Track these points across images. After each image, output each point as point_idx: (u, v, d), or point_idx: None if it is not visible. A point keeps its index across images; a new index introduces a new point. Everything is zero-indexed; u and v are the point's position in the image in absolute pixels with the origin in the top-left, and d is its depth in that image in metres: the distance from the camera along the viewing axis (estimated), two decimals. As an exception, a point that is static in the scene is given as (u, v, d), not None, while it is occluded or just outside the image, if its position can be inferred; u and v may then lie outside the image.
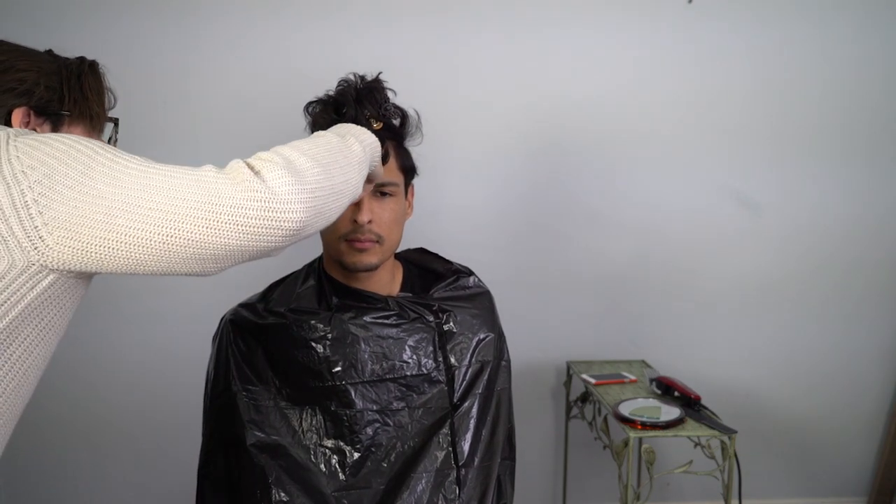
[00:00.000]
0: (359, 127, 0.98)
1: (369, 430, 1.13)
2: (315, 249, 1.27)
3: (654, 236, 2.22)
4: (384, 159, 1.11)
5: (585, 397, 2.11)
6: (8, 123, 0.90)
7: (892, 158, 2.23)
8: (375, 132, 1.11)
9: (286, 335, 1.15)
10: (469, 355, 1.20)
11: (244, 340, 1.18)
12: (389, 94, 1.18)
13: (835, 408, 2.34)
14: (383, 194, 1.15)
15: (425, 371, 1.16)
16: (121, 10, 1.99)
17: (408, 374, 1.15)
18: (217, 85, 2.05)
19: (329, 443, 1.13)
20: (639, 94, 2.15)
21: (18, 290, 0.71)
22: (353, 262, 1.14)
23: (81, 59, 1.00)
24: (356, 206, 1.11)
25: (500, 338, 1.27)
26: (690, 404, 1.80)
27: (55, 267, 0.72)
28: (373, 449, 1.13)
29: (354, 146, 0.90)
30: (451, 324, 1.20)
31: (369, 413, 1.13)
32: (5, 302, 0.71)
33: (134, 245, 0.71)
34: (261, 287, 1.27)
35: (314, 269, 1.24)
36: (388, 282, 1.23)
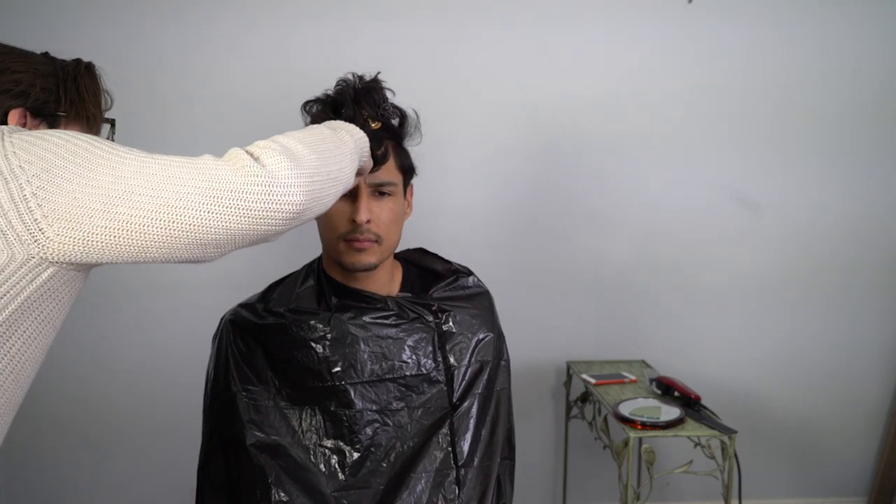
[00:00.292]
0: (348, 123, 0.99)
1: (369, 431, 1.13)
2: (315, 250, 1.27)
3: (654, 236, 2.22)
4: (384, 159, 1.11)
5: (585, 397, 2.11)
6: (4, 124, 0.90)
7: (892, 158, 2.23)
8: (374, 132, 1.11)
9: (286, 335, 1.15)
10: (468, 355, 1.20)
11: (244, 340, 1.18)
12: (388, 94, 1.18)
13: (835, 408, 2.34)
14: (382, 194, 1.14)
15: (425, 371, 1.16)
16: (120, 9, 1.99)
17: (407, 374, 1.15)
18: (216, 84, 2.05)
19: (329, 443, 1.13)
20: (639, 94, 2.15)
21: (18, 284, 0.71)
22: (352, 262, 1.14)
23: (78, 61, 1.00)
24: (354, 206, 1.12)
25: (499, 338, 1.27)
26: (690, 404, 1.80)
27: (56, 259, 0.72)
28: (372, 449, 1.13)
29: (346, 137, 0.92)
30: (451, 324, 1.20)
31: (369, 413, 1.13)
32: (5, 295, 0.71)
33: (135, 233, 0.72)
34: (260, 287, 1.27)
35: (313, 269, 1.24)
36: (387, 282, 1.23)
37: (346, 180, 0.88)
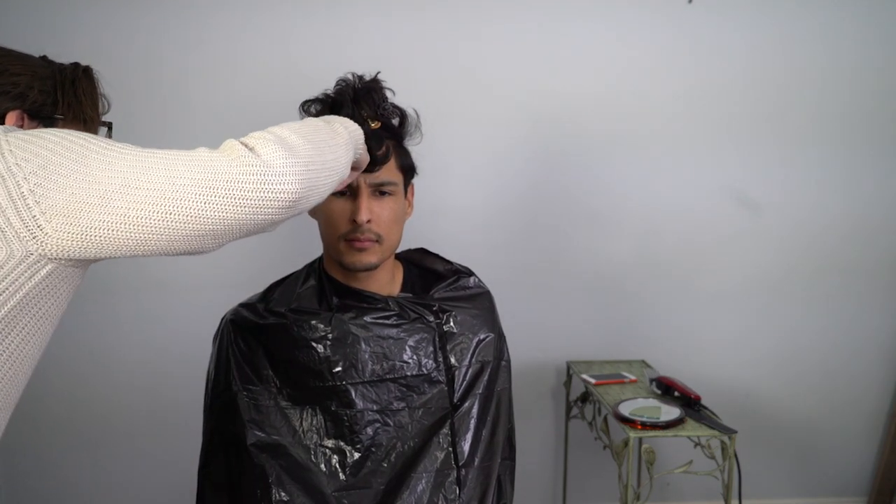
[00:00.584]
0: (342, 117, 0.99)
1: (369, 430, 1.13)
2: (315, 249, 1.27)
3: (654, 236, 2.22)
4: (384, 159, 1.11)
5: (585, 397, 2.11)
6: (1, 125, 0.90)
7: (892, 158, 2.23)
8: (375, 132, 1.11)
9: (287, 335, 1.15)
10: (469, 355, 1.20)
11: (245, 340, 1.18)
12: (388, 94, 1.18)
13: (835, 408, 2.34)
14: (382, 193, 1.14)
15: (425, 371, 1.16)
16: (119, 8, 1.99)
17: (408, 374, 1.15)
18: (216, 82, 2.05)
19: (329, 443, 1.13)
20: (639, 95, 2.15)
21: (17, 280, 0.71)
22: (353, 262, 1.14)
23: (76, 65, 1.01)
24: (355, 205, 1.12)
25: (500, 338, 1.27)
26: (690, 404, 1.80)
27: (54, 255, 0.72)
28: (373, 449, 1.13)
29: (339, 129, 0.92)
30: (452, 324, 1.20)
31: (369, 413, 1.13)
32: (3, 292, 0.71)
33: (133, 226, 0.72)
34: (261, 287, 1.27)
35: (314, 269, 1.24)
36: (388, 282, 1.23)
37: (342, 170, 0.89)
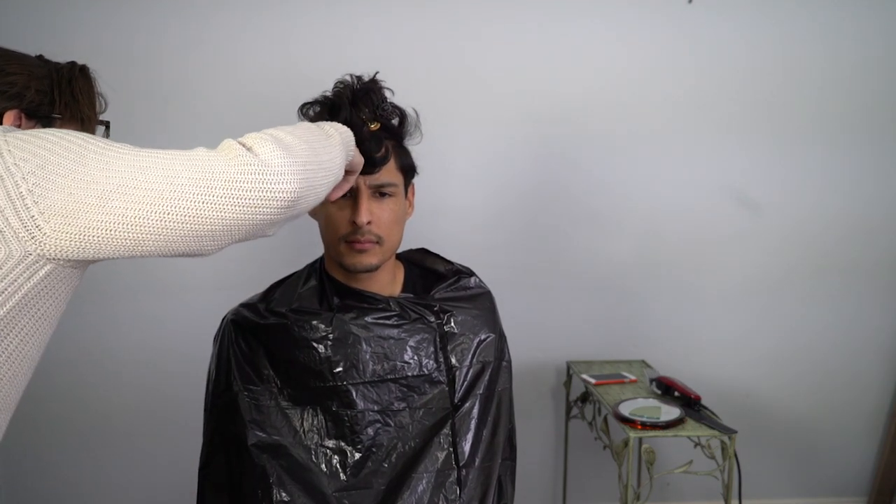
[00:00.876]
0: (333, 122, 0.99)
1: (370, 431, 1.13)
2: (315, 250, 1.27)
3: (654, 236, 2.22)
4: (383, 160, 1.11)
5: (585, 397, 2.11)
6: None
7: (892, 157, 2.23)
8: (374, 133, 1.11)
9: (287, 335, 1.15)
10: (470, 356, 1.20)
11: (245, 340, 1.18)
12: (387, 94, 1.18)
13: (835, 408, 2.34)
14: (382, 195, 1.14)
15: (426, 372, 1.16)
16: (119, 6, 1.99)
17: (409, 374, 1.15)
18: (216, 81, 2.05)
19: (330, 443, 1.13)
20: (639, 94, 2.15)
21: (15, 281, 0.71)
22: (353, 264, 1.14)
23: (72, 64, 1.01)
24: (355, 207, 1.11)
25: (500, 338, 1.27)
26: (690, 404, 1.80)
27: (53, 256, 0.72)
28: (374, 449, 1.13)
29: (331, 132, 0.93)
30: (452, 324, 1.20)
31: (370, 413, 1.13)
32: (3, 292, 0.71)
33: (131, 226, 0.72)
34: (262, 287, 1.27)
35: (315, 269, 1.24)
36: (389, 282, 1.23)
37: (337, 171, 0.89)
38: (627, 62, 2.14)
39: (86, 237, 0.72)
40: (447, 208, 2.14)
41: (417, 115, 1.23)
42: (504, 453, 1.27)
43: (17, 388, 0.77)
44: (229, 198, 0.73)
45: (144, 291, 2.12)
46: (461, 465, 1.15)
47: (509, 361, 1.28)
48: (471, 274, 1.30)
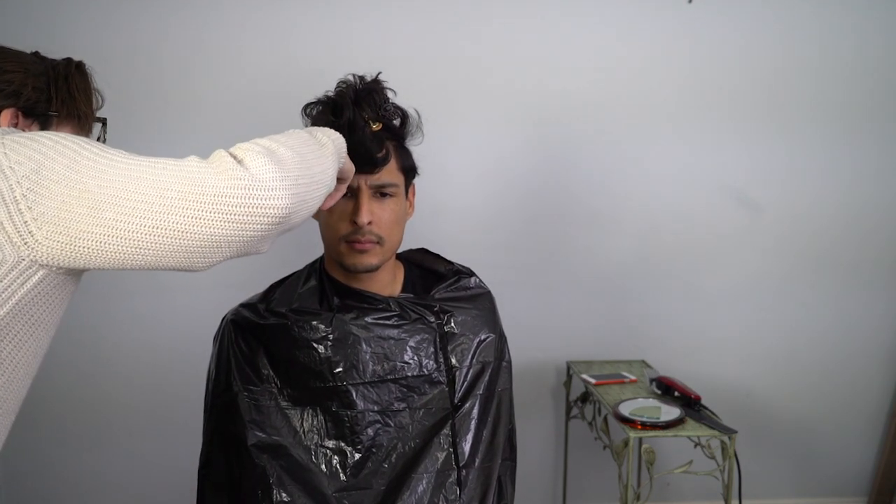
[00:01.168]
0: (325, 128, 0.98)
1: (370, 431, 1.13)
2: (315, 250, 1.27)
3: (654, 236, 2.22)
4: (385, 160, 1.11)
5: (585, 397, 2.11)
6: None
7: (891, 157, 2.23)
8: (375, 133, 1.11)
9: (287, 335, 1.15)
10: (470, 356, 1.20)
11: (245, 340, 1.18)
12: (389, 94, 1.18)
13: (835, 408, 2.34)
14: (383, 195, 1.14)
15: (426, 372, 1.16)
16: (119, 5, 1.99)
17: (409, 374, 1.15)
18: (217, 80, 2.06)
19: (330, 443, 1.13)
20: (639, 94, 2.15)
21: (9, 287, 0.71)
22: (354, 264, 1.14)
23: (68, 61, 1.01)
24: (355, 207, 1.11)
25: (500, 338, 1.27)
26: (690, 404, 1.80)
27: (45, 262, 0.72)
28: (374, 450, 1.13)
29: (324, 140, 0.91)
30: (452, 324, 1.20)
31: (370, 414, 1.13)
32: None
33: (120, 238, 0.71)
34: (261, 287, 1.27)
35: (315, 269, 1.24)
36: (389, 282, 1.23)
37: (330, 183, 0.87)
38: (627, 62, 2.14)
39: (76, 247, 0.71)
40: (447, 208, 2.14)
41: (419, 116, 1.23)
42: (504, 453, 1.27)
43: (14, 394, 0.77)
44: (219, 213, 0.71)
45: (145, 291, 2.12)
46: (461, 465, 1.15)
47: (509, 362, 1.28)
48: (471, 274, 1.30)
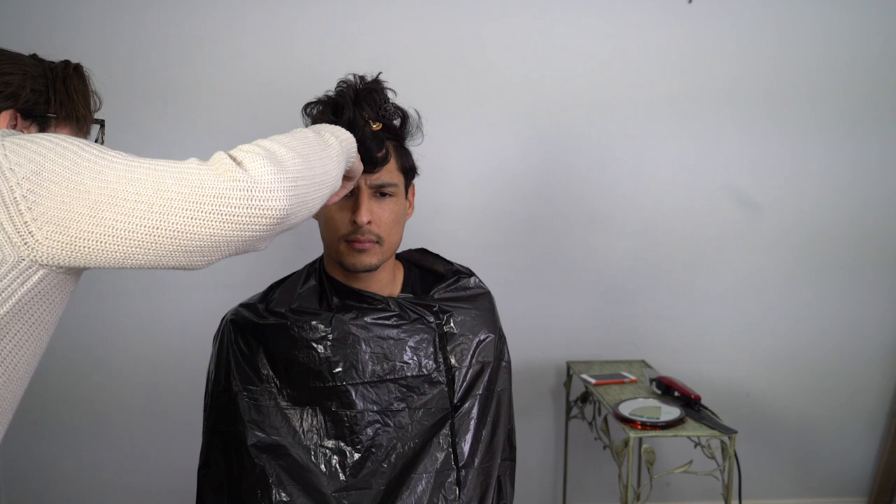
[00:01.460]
0: (335, 126, 0.99)
1: (370, 431, 1.13)
2: (314, 250, 1.27)
3: (653, 236, 2.22)
4: (384, 160, 1.11)
5: (585, 397, 2.11)
6: None
7: (890, 157, 2.23)
8: (375, 133, 1.12)
9: (287, 335, 1.15)
10: (469, 356, 1.20)
11: (245, 340, 1.18)
12: (389, 94, 1.18)
13: (835, 408, 2.34)
14: (383, 195, 1.15)
15: (426, 372, 1.16)
16: (118, 3, 1.99)
17: (408, 374, 1.15)
18: (217, 78, 2.05)
19: (329, 443, 1.13)
20: (638, 95, 2.15)
21: (9, 286, 0.72)
22: (353, 263, 1.14)
23: (66, 63, 1.01)
24: (355, 207, 1.12)
25: (500, 339, 1.27)
26: (690, 404, 1.80)
27: (45, 262, 0.73)
28: (373, 449, 1.13)
29: (331, 140, 0.91)
30: (452, 324, 1.20)
31: (370, 414, 1.13)
32: None
33: (120, 238, 0.72)
34: (261, 287, 1.27)
35: (315, 269, 1.24)
36: (388, 282, 1.23)
37: (333, 183, 0.88)
38: (628, 63, 2.14)
39: (76, 246, 0.72)
40: (447, 208, 2.14)
41: (419, 117, 1.23)
42: (504, 453, 1.27)
43: (13, 392, 0.78)
44: (217, 214, 0.73)
45: (144, 291, 2.12)
46: (460, 465, 1.15)
47: (509, 362, 1.28)
48: (470, 274, 1.30)
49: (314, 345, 1.14)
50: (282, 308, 1.18)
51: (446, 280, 1.26)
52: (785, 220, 2.23)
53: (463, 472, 1.15)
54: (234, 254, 0.77)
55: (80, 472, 2.19)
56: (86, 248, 0.72)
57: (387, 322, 1.16)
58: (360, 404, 1.13)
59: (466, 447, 1.16)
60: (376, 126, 1.12)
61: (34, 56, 1.00)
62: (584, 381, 2.03)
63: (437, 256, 1.33)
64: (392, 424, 1.14)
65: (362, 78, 1.16)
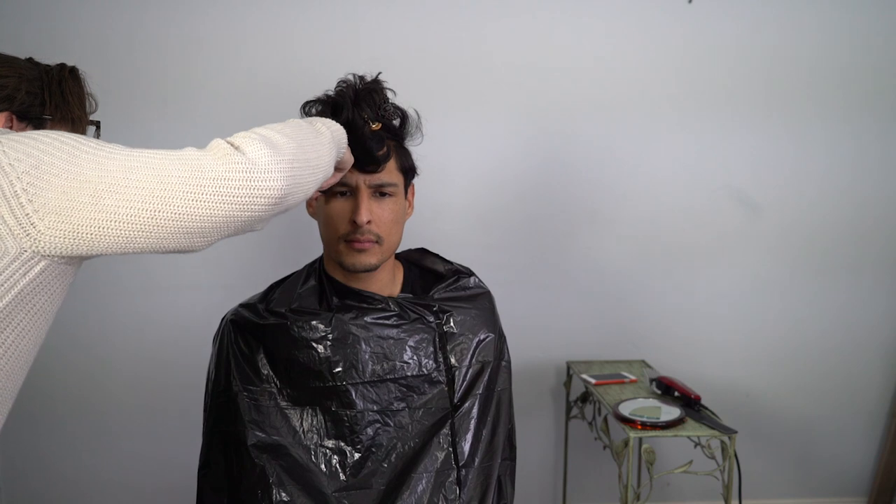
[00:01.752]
0: (326, 118, 1.01)
1: (370, 431, 1.13)
2: (314, 250, 1.27)
3: (653, 236, 2.22)
4: (384, 159, 1.11)
5: (585, 397, 2.11)
6: None
7: (890, 157, 2.23)
8: (375, 132, 1.12)
9: (287, 335, 1.15)
10: (469, 356, 1.20)
11: (245, 340, 1.18)
12: (389, 95, 1.18)
13: (835, 407, 2.34)
14: (383, 194, 1.15)
15: (426, 371, 1.16)
16: (118, 3, 1.99)
17: (408, 374, 1.16)
18: (217, 79, 2.05)
19: (330, 443, 1.13)
20: (638, 95, 2.15)
21: (11, 277, 0.73)
22: (353, 263, 1.15)
23: (62, 66, 1.03)
24: (355, 206, 1.12)
25: (500, 338, 1.27)
26: (690, 404, 1.80)
27: (47, 252, 0.74)
28: (373, 449, 1.13)
29: (322, 129, 0.94)
30: (452, 324, 1.20)
31: (370, 413, 1.14)
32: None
33: (122, 223, 0.74)
34: (261, 287, 1.27)
35: (315, 269, 1.24)
36: (388, 282, 1.23)
37: (326, 168, 0.91)
38: (627, 63, 2.14)
39: (79, 234, 0.73)
40: (447, 208, 2.14)
41: (419, 117, 1.23)
42: (504, 453, 1.27)
43: (14, 382, 0.79)
44: (218, 195, 0.75)
45: (144, 291, 2.12)
46: (461, 464, 1.16)
47: (509, 361, 1.28)
48: (470, 274, 1.30)
49: (314, 345, 1.14)
50: (282, 308, 1.18)
51: (446, 280, 1.26)
52: (785, 220, 2.23)
53: (463, 472, 1.15)
54: (233, 234, 0.80)
55: (80, 471, 2.19)
56: (88, 236, 0.74)
57: (387, 322, 1.16)
58: (360, 404, 1.13)
59: (467, 447, 1.16)
60: (376, 126, 1.12)
61: (30, 60, 1.02)
62: (584, 381, 2.03)
63: (436, 256, 1.34)
64: (392, 424, 1.14)
65: (362, 78, 1.16)
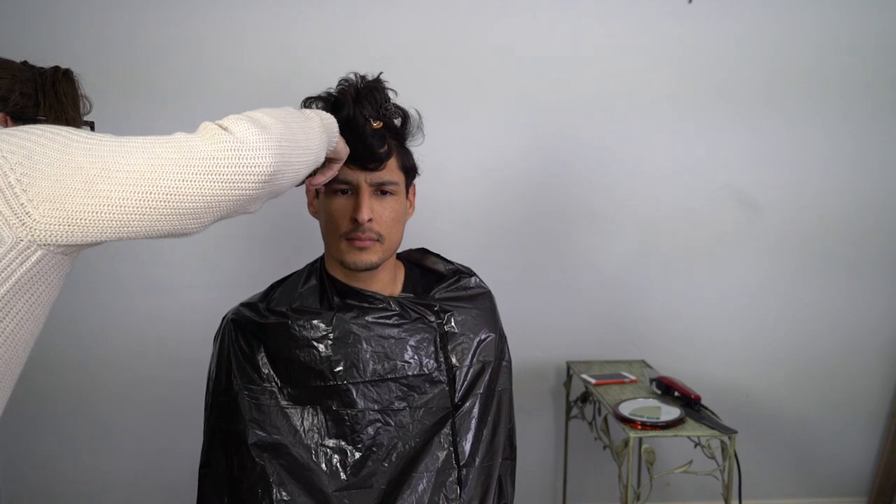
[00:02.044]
0: (315, 109, 1.03)
1: (371, 430, 1.13)
2: (314, 251, 1.27)
3: (654, 236, 2.22)
4: (387, 156, 1.12)
5: (585, 397, 2.11)
6: None
7: (891, 157, 2.23)
8: (377, 131, 1.12)
9: (288, 334, 1.15)
10: (470, 356, 1.20)
11: (246, 339, 1.18)
12: (390, 95, 1.18)
13: (835, 407, 2.34)
14: (384, 193, 1.15)
15: (427, 371, 1.16)
16: (118, 3, 1.99)
17: (409, 374, 1.16)
18: (216, 78, 2.05)
19: (330, 442, 1.13)
20: (639, 94, 2.15)
21: (8, 267, 0.74)
22: (354, 261, 1.15)
23: (56, 68, 1.05)
24: (356, 204, 1.12)
25: (500, 338, 1.27)
26: (690, 404, 1.80)
27: (43, 241, 0.75)
28: (374, 449, 1.13)
29: (311, 115, 0.96)
30: (452, 324, 1.20)
31: (371, 413, 1.14)
32: None
33: (115, 207, 0.75)
34: (262, 287, 1.27)
35: (316, 268, 1.24)
36: (389, 282, 1.23)
37: (316, 151, 0.92)
38: (627, 62, 2.14)
39: (74, 221, 0.74)
40: (447, 208, 2.14)
41: (420, 117, 1.23)
42: (504, 453, 1.27)
43: (12, 370, 0.80)
44: (208, 174, 0.77)
45: (145, 290, 2.12)
46: (461, 464, 1.16)
47: (509, 361, 1.28)
48: (471, 274, 1.30)
49: (315, 344, 1.14)
50: (283, 307, 1.18)
51: (447, 280, 1.27)
52: (785, 219, 2.23)
53: (464, 472, 1.15)
54: (226, 215, 0.81)
55: (80, 471, 2.19)
56: (83, 222, 0.75)
57: (388, 321, 1.16)
58: (360, 403, 1.13)
59: (467, 446, 1.17)
60: (377, 125, 1.13)
61: (25, 63, 1.03)
62: (584, 381, 2.03)
63: (437, 256, 1.34)
64: (393, 423, 1.14)
65: (363, 77, 1.16)
